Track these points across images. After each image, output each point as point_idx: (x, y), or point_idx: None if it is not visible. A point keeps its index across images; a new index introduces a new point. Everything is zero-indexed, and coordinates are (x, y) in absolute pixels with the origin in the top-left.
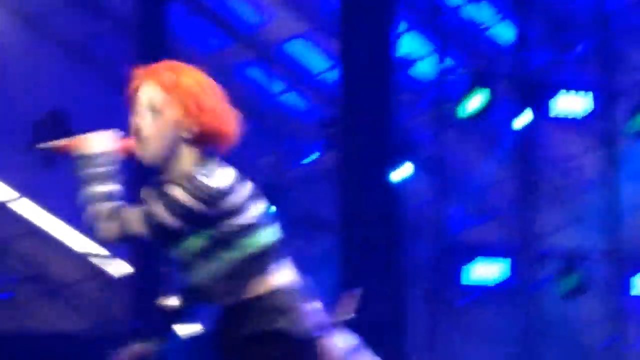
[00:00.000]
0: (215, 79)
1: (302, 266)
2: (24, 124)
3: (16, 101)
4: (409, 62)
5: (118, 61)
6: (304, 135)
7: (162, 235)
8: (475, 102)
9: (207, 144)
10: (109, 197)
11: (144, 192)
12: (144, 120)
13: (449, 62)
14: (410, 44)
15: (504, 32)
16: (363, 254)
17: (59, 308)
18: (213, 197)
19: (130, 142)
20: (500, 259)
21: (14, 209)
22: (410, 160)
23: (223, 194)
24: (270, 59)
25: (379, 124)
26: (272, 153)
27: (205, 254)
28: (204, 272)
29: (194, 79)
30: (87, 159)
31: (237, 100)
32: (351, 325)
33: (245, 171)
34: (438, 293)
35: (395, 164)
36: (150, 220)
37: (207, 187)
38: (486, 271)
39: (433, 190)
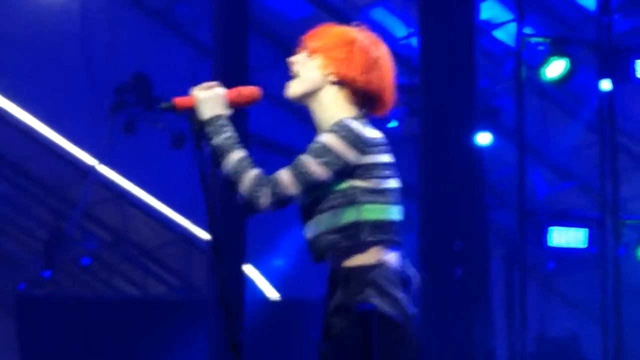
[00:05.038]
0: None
1: None
2: (107, 88)
3: (98, 66)
4: (489, 29)
5: (199, 25)
6: None
7: (312, 189)
8: (555, 69)
9: (357, 98)
10: (252, 161)
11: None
12: (297, 58)
13: (529, 29)
14: (490, 10)
15: None
16: (444, 220)
17: (140, 273)
18: (363, 144)
19: (232, 94)
20: (582, 225)
21: (96, 175)
22: (491, 126)
23: (372, 145)
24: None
25: (460, 91)
26: None
27: (330, 206)
28: (322, 225)
29: (354, 33)
30: (216, 123)
31: None
32: (435, 290)
33: None
34: (521, 258)
35: (476, 130)
36: (300, 175)
37: (359, 132)
38: (568, 237)
39: (515, 156)
